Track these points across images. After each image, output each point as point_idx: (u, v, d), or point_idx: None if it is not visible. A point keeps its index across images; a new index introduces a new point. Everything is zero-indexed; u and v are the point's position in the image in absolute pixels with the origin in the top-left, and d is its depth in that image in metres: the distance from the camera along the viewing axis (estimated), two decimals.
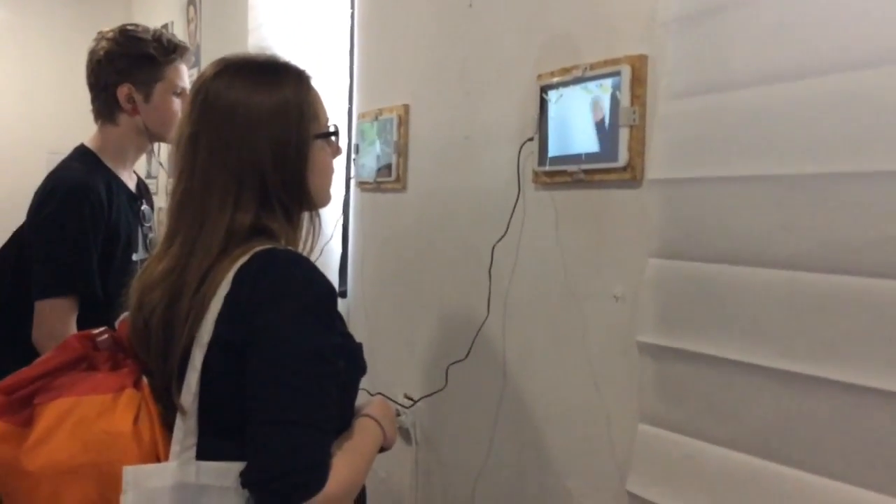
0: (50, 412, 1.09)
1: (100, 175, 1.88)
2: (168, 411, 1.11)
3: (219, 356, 1.07)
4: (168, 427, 1.10)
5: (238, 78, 1.17)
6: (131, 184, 2.01)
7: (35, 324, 1.79)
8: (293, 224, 1.20)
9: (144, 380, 1.14)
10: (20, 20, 4.77)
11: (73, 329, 1.77)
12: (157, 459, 1.07)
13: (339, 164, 2.62)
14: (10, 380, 1.14)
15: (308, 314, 1.08)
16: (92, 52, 1.93)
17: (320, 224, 1.25)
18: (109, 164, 1.94)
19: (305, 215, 1.23)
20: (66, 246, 1.80)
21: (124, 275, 1.85)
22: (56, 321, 1.78)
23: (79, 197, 1.80)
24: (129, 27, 1.96)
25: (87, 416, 1.07)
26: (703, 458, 1.34)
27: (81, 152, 1.95)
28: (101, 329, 1.23)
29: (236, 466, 1.05)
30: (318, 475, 1.02)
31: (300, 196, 1.19)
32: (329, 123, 1.25)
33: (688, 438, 1.37)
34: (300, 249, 1.20)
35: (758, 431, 1.26)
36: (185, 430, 1.08)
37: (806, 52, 1.20)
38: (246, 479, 1.04)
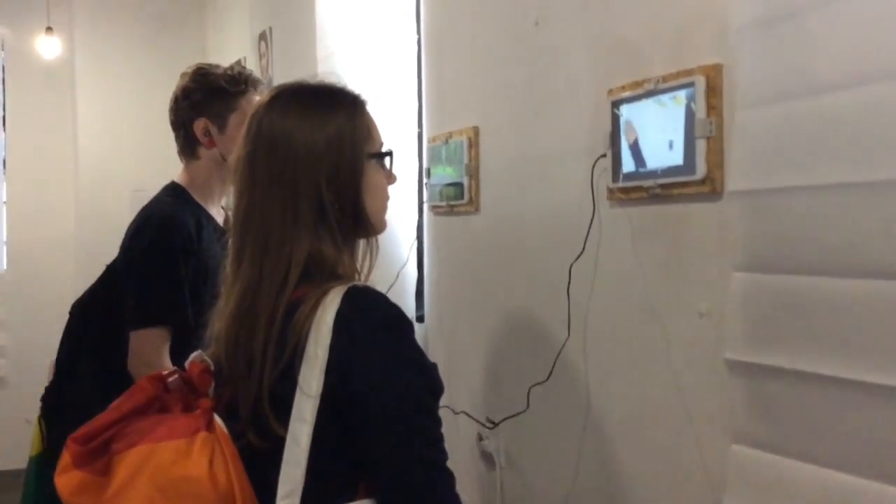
0: (128, 461, 1.10)
1: (189, 209, 1.94)
2: (245, 450, 1.12)
3: (327, 407, 1.09)
4: (246, 465, 1.11)
5: (293, 101, 1.20)
6: (220, 218, 2.05)
7: (130, 354, 1.83)
8: (350, 248, 1.20)
9: (217, 420, 1.15)
10: (101, 63, 4.96)
11: (167, 358, 1.82)
12: (234, 500, 1.07)
13: (411, 187, 2.66)
14: (85, 429, 1.16)
15: (410, 352, 1.12)
16: (173, 94, 2.00)
17: (377, 249, 1.25)
18: (198, 199, 1.99)
19: (361, 242, 1.24)
20: (158, 277, 1.85)
21: (213, 307, 1.89)
22: (150, 351, 1.83)
23: (169, 229, 1.86)
24: (202, 65, 2.02)
25: (164, 463, 1.08)
26: (801, 478, 1.28)
27: (172, 188, 2.01)
28: (171, 370, 1.26)
29: None
30: None
31: (356, 216, 1.19)
32: (384, 147, 1.26)
33: (785, 459, 1.31)
34: (358, 275, 1.21)
35: (858, 450, 1.20)
36: (291, 483, 1.09)
37: (894, 49, 1.15)
38: None
